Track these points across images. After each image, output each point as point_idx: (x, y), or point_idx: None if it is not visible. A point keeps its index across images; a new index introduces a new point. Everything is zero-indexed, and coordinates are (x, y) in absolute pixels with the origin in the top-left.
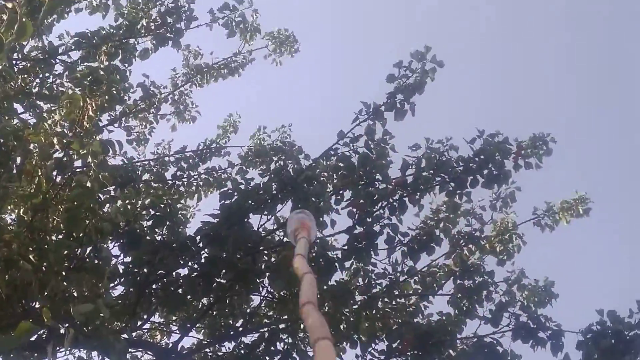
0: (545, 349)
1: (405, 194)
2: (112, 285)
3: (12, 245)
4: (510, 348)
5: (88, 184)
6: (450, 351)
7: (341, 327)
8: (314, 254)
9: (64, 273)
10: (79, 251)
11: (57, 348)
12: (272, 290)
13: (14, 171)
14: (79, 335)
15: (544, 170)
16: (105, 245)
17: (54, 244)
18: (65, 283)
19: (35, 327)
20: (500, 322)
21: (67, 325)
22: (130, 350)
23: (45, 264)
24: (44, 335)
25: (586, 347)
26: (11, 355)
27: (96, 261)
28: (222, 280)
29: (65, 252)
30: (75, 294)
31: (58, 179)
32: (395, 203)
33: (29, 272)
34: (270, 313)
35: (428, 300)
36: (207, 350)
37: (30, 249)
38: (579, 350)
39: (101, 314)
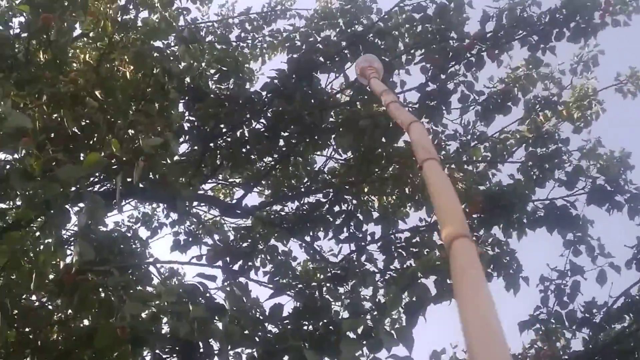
0: (622, 213)
1: (483, 48)
2: (179, 141)
3: (78, 82)
4: (583, 213)
5: (155, 24)
6: (520, 215)
7: (406, 190)
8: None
9: (131, 112)
10: (147, 91)
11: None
12: (338, 149)
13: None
14: (147, 181)
15: (630, 31)
16: (172, 88)
17: (121, 83)
18: (132, 122)
19: (103, 159)
20: (575, 184)
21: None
22: (194, 204)
23: (112, 102)
24: (113, 170)
25: None
26: (79, 189)
27: (164, 102)
28: (288, 135)
29: (132, 92)
30: (142, 135)
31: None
32: (472, 58)
33: (95, 110)
34: (335, 173)
35: (497, 168)
36: (270, 208)
37: (97, 87)
38: None
39: (170, 147)
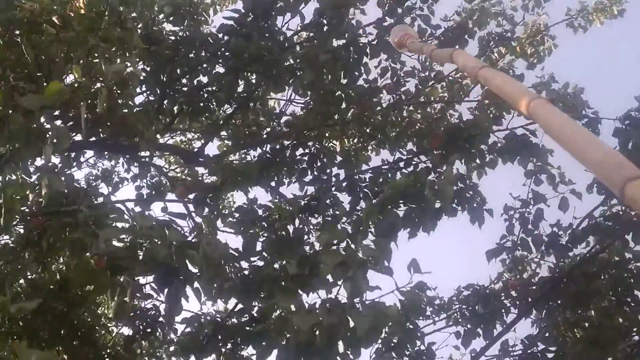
0: None
1: None
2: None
3: (34, 8)
4: (542, 143)
5: None
6: (482, 146)
7: (367, 130)
8: (344, 41)
9: (89, 44)
10: (104, 19)
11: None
12: (298, 92)
13: None
14: (106, 127)
15: None
16: (129, 18)
17: (78, 16)
18: (90, 50)
19: (65, 88)
20: None
21: (99, 85)
22: (156, 154)
23: (70, 30)
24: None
25: (624, 133)
26: (42, 119)
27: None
28: (247, 76)
29: (88, 24)
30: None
31: None
32: None
33: (53, 39)
34: (296, 117)
35: (454, 108)
36: (232, 155)
37: (53, 14)
38: (616, 138)
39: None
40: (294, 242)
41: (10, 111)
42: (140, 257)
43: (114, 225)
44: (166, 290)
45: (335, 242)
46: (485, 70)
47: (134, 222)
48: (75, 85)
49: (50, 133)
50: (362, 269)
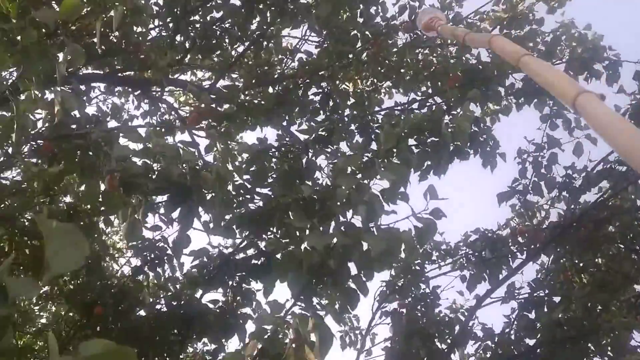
0: (600, 81)
1: None
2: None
3: None
4: None
5: None
6: (500, 89)
7: (382, 71)
8: None
9: None
10: None
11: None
12: (312, 31)
13: None
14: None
15: None
16: None
17: None
18: None
19: (80, 2)
20: (553, 54)
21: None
22: (167, 89)
23: None
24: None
25: None
26: (59, 35)
27: None
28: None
29: None
30: None
31: None
32: None
33: None
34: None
35: (471, 51)
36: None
37: None
38: (635, 81)
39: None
40: (306, 173)
41: (24, 25)
42: (154, 177)
43: (126, 144)
44: (178, 210)
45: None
46: (528, 57)
47: (147, 143)
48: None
49: (65, 50)
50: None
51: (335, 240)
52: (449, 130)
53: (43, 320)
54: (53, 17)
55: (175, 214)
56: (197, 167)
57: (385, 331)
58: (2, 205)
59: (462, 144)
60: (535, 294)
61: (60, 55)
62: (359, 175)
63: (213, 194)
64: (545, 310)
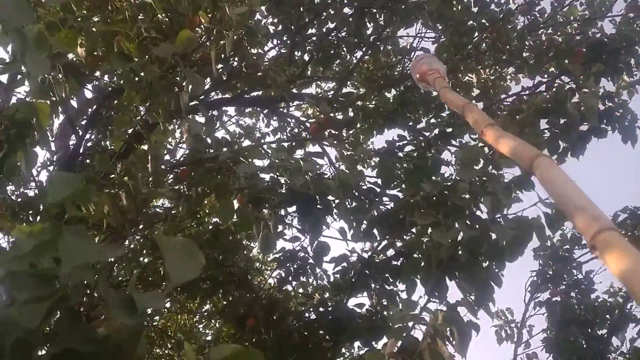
0: None
1: None
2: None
3: None
4: None
5: None
6: (630, 60)
7: (503, 57)
8: None
9: None
10: None
11: (222, 107)
12: (427, 27)
13: None
14: (241, 78)
15: None
16: None
17: None
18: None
19: (194, 34)
20: None
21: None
22: (293, 104)
23: None
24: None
25: None
26: (179, 68)
27: None
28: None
29: None
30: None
31: None
32: None
33: None
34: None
35: (596, 25)
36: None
37: None
38: None
39: (259, 29)
40: (433, 169)
41: (146, 63)
42: (280, 191)
43: (251, 161)
44: (307, 219)
45: (472, 159)
46: (490, 127)
47: (271, 158)
48: (204, 30)
49: (185, 80)
50: (501, 182)
51: (462, 234)
52: (577, 109)
53: (208, 338)
54: (170, 52)
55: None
56: (320, 176)
57: (541, 322)
58: (156, 231)
59: (593, 122)
60: None
61: (183, 86)
62: (477, 168)
63: (338, 201)
64: None
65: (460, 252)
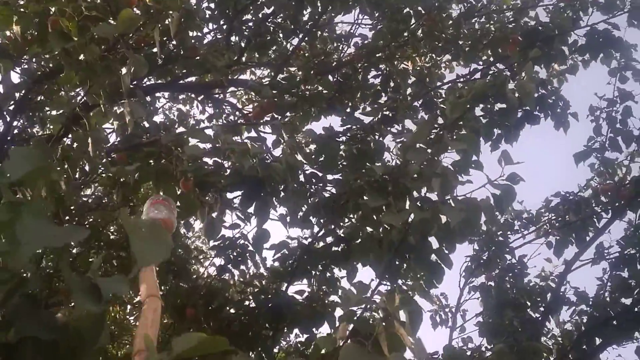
0: None
1: None
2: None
3: None
4: (624, 37)
5: None
6: (563, 47)
7: (439, 45)
8: None
9: None
10: None
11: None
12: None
13: None
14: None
15: None
16: None
17: None
18: None
19: (137, 14)
20: (614, 6)
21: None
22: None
23: None
24: None
25: None
26: (119, 48)
27: None
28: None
29: None
30: None
31: None
32: None
33: None
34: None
35: (528, 14)
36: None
37: None
38: None
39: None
40: (375, 154)
41: (86, 42)
42: (226, 174)
43: (196, 144)
44: (254, 203)
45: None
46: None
47: (216, 141)
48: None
49: (127, 62)
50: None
51: (412, 216)
52: (515, 94)
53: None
54: (112, 32)
55: (251, 209)
56: (267, 160)
57: (475, 306)
58: (86, 221)
59: (530, 107)
60: (626, 252)
61: (124, 68)
62: (429, 150)
63: (285, 185)
64: (639, 267)
65: (410, 235)
